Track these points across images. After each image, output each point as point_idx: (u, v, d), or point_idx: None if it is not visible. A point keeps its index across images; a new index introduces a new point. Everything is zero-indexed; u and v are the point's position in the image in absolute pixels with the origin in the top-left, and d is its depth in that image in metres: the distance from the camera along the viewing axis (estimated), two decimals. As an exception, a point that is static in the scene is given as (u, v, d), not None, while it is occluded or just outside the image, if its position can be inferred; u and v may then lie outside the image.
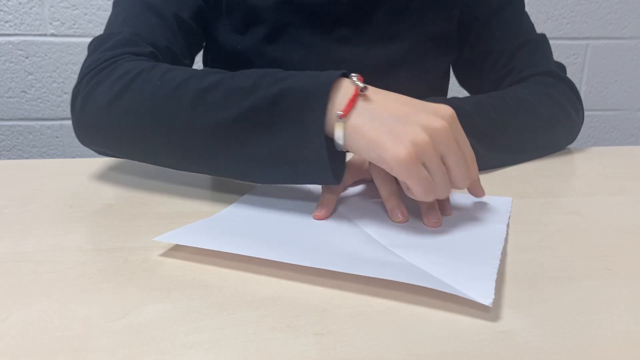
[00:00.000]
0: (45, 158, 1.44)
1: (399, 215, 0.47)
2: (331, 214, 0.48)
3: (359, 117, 0.42)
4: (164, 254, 0.41)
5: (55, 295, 0.35)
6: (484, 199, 0.53)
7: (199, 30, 0.71)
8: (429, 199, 0.43)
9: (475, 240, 0.43)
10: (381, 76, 0.72)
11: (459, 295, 0.34)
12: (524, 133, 0.66)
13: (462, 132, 0.44)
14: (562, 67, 0.77)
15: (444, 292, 0.35)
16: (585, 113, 1.67)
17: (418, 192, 0.42)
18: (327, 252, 0.40)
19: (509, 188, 0.58)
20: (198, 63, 0.73)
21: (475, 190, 0.50)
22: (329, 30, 0.72)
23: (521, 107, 0.66)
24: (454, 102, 0.61)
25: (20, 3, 1.33)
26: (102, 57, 0.57)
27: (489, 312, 0.34)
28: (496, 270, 0.37)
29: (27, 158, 1.44)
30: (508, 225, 0.47)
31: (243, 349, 0.30)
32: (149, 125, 0.49)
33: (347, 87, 0.44)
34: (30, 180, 0.59)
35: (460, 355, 0.30)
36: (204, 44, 0.78)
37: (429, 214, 0.46)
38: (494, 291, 0.34)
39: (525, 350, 0.30)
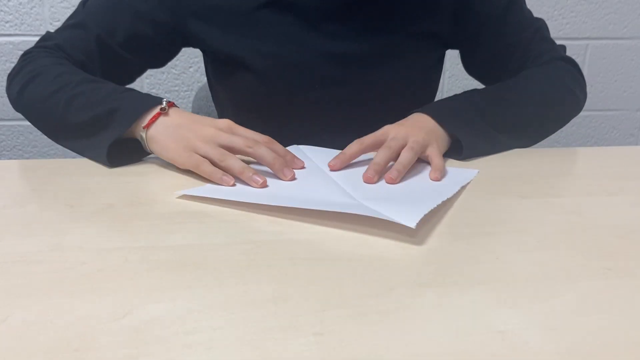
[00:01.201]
0: (45, 158, 1.44)
1: (369, 175, 0.58)
2: (343, 167, 0.62)
3: (155, 129, 0.61)
4: (164, 254, 0.41)
5: (55, 295, 0.35)
6: (453, 169, 0.64)
7: (130, 57, 0.78)
8: (217, 179, 0.57)
9: (425, 191, 0.55)
10: (367, 68, 0.79)
11: (388, 219, 0.45)
12: (539, 120, 0.76)
13: (239, 128, 0.61)
14: (564, 49, 0.85)
15: (443, 291, 0.35)
16: (585, 113, 1.66)
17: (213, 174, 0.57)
18: (299, 196, 0.53)
19: (509, 188, 0.58)
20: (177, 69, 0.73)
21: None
22: (317, 26, 0.76)
23: (538, 96, 0.76)
24: (478, 104, 0.71)
25: (20, 3, 1.33)
26: (30, 50, 0.76)
27: (489, 312, 0.34)
28: (430, 208, 0.47)
29: (27, 158, 1.44)
30: (464, 187, 0.58)
31: (243, 349, 0.30)
32: (41, 115, 0.68)
33: (154, 109, 0.62)
34: (30, 180, 0.59)
35: (460, 355, 0.30)
36: (204, 56, 0.85)
37: (368, 168, 0.59)
38: (420, 218, 0.45)
39: (525, 350, 0.30)
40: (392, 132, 0.63)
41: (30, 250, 0.42)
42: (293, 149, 0.68)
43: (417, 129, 0.64)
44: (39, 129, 0.70)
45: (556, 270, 0.40)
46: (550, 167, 0.67)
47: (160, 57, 0.82)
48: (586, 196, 0.56)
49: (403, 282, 0.38)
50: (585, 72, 1.63)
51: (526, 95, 0.75)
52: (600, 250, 0.43)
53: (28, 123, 1.40)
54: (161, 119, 0.61)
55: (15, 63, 0.75)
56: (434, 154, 0.63)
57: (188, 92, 1.46)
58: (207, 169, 0.57)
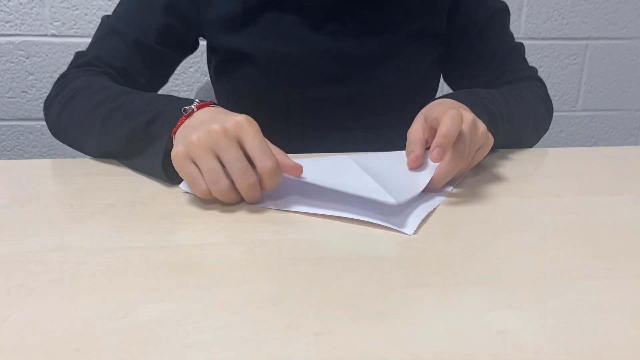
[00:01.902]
0: (45, 158, 1.44)
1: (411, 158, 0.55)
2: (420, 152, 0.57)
3: (180, 132, 0.53)
4: (164, 254, 0.41)
5: (55, 295, 0.35)
6: None
7: (167, 50, 0.79)
8: (204, 194, 0.50)
9: (424, 196, 0.54)
10: (368, 67, 0.79)
11: (388, 225, 0.46)
12: (527, 124, 0.77)
13: (249, 136, 0.49)
14: (537, 70, 0.88)
15: (443, 291, 0.35)
16: (585, 113, 1.66)
17: (191, 186, 0.51)
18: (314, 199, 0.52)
19: (509, 188, 0.58)
20: (195, 64, 0.73)
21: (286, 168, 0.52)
22: (319, 25, 0.77)
23: (526, 103, 0.76)
24: (494, 100, 0.68)
25: (20, 3, 1.33)
26: (66, 72, 0.74)
27: (489, 312, 0.34)
28: (427, 212, 0.50)
29: (27, 158, 1.44)
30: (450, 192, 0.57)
31: (243, 349, 0.30)
32: (81, 132, 0.65)
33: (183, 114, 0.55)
34: (31, 180, 0.59)
35: (460, 355, 0.30)
36: (208, 51, 0.86)
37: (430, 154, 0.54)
38: (417, 226, 0.47)
39: (525, 350, 0.30)
40: (466, 119, 0.55)
41: (30, 250, 0.42)
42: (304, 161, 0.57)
43: (481, 124, 0.57)
44: (81, 151, 0.68)
45: (556, 270, 0.40)
46: (550, 167, 0.67)
47: (190, 45, 0.83)
48: (586, 196, 0.56)
49: (403, 282, 0.38)
50: (585, 72, 1.64)
51: (523, 107, 0.75)
52: (600, 250, 0.43)
53: (28, 123, 1.41)
54: (186, 121, 0.54)
55: (50, 89, 0.73)
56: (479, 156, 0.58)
57: (188, 92, 1.46)
58: (199, 189, 0.50)
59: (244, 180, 0.49)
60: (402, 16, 0.79)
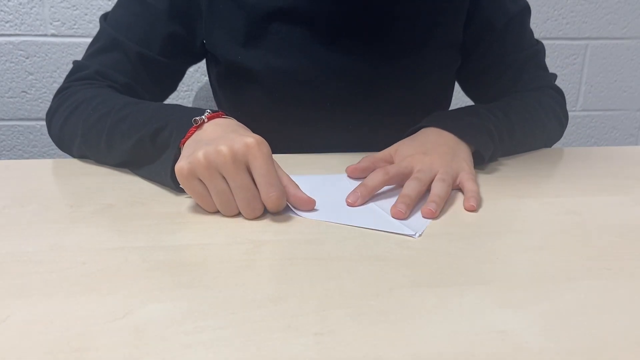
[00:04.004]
0: (45, 158, 1.44)
1: (400, 209, 0.50)
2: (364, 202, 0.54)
3: (189, 144, 0.51)
4: (164, 254, 0.41)
5: (55, 295, 0.35)
6: None
7: (172, 62, 0.75)
8: (210, 210, 0.50)
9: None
10: (387, 89, 0.73)
11: (392, 231, 0.46)
12: (532, 145, 0.75)
13: (257, 163, 0.47)
14: (555, 77, 0.83)
15: (443, 291, 0.35)
16: (585, 113, 1.67)
17: (198, 202, 0.50)
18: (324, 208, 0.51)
19: (509, 188, 0.58)
20: (198, 74, 0.72)
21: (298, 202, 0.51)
22: (332, 40, 0.71)
23: (536, 124, 0.74)
24: (492, 118, 0.66)
25: (20, 3, 1.33)
26: (66, 85, 0.71)
27: (489, 312, 0.34)
28: (427, 225, 0.48)
29: (27, 158, 1.44)
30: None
31: (243, 349, 0.30)
32: (86, 143, 0.63)
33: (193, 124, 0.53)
34: (30, 180, 0.59)
35: (460, 355, 0.30)
36: (207, 58, 0.80)
37: (397, 201, 0.51)
38: (422, 230, 0.46)
39: (525, 350, 0.30)
40: (417, 164, 0.57)
41: (30, 250, 0.42)
42: (302, 178, 0.57)
43: (442, 156, 0.58)
44: (85, 153, 0.66)
45: (556, 270, 0.40)
46: (550, 167, 0.67)
47: (197, 54, 0.78)
48: (586, 196, 0.56)
49: (403, 282, 0.38)
50: (585, 72, 1.64)
51: (529, 121, 0.72)
52: (600, 250, 0.43)
53: (28, 123, 1.41)
54: (195, 133, 0.52)
55: (50, 103, 0.71)
56: (465, 178, 0.56)
57: (188, 92, 1.46)
58: (207, 206, 0.50)
59: (250, 211, 0.48)
60: (423, 31, 0.72)
